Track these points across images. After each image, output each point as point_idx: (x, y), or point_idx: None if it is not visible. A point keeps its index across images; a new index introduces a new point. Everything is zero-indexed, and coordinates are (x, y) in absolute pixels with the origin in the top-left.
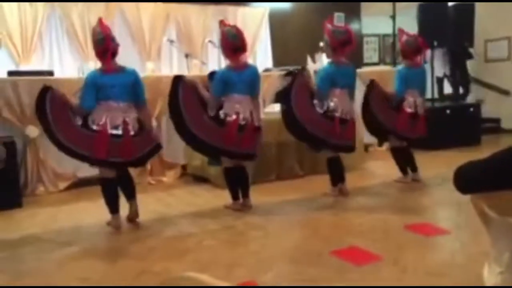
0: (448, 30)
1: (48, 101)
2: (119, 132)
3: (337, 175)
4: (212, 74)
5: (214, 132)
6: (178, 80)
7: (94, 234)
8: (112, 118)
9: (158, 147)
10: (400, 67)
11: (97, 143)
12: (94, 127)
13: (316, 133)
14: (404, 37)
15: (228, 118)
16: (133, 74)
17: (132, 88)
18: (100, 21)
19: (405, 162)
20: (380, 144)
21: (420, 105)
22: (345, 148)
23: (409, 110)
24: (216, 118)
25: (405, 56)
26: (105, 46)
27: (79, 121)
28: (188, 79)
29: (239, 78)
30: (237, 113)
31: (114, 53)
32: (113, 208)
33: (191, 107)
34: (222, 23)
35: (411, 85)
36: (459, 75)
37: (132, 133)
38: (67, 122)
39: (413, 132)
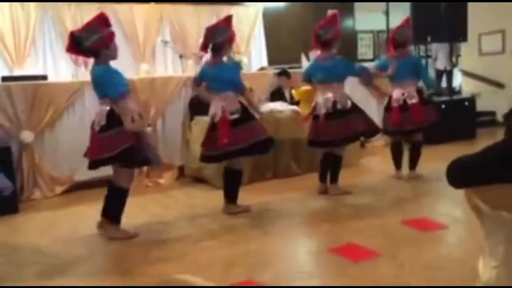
0: (442, 25)
1: None
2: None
3: (325, 171)
4: None
5: (215, 140)
6: None
7: (92, 238)
8: (96, 117)
9: (125, 152)
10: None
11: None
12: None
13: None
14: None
15: (216, 118)
16: (95, 69)
17: (98, 85)
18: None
19: (410, 157)
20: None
21: (410, 95)
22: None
23: (395, 104)
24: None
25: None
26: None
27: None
28: None
29: (212, 74)
30: (223, 110)
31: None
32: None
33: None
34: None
35: (398, 77)
36: None
37: (96, 129)
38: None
39: (410, 123)
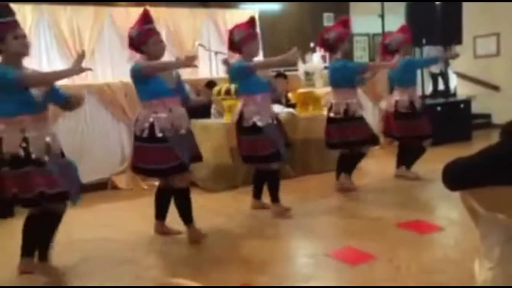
0: (436, 28)
1: None
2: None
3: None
4: None
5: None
6: None
7: (86, 242)
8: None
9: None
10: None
11: None
12: None
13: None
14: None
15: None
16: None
17: (135, 78)
18: None
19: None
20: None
21: (402, 103)
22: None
23: (387, 108)
24: None
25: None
26: None
27: None
28: None
29: None
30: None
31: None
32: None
33: None
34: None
35: (395, 84)
36: None
37: (137, 134)
38: None
39: (391, 131)
